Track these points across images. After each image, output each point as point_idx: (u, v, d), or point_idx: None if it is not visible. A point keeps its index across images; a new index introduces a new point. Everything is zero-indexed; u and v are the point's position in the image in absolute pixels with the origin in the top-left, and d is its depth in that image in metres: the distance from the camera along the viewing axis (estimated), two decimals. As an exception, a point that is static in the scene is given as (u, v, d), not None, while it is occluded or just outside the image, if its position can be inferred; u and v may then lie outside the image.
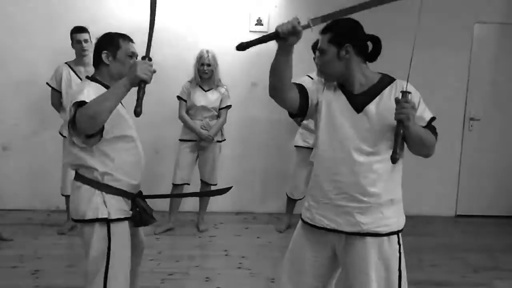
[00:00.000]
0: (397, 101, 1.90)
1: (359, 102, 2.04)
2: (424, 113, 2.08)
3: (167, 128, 4.72)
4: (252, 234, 4.52)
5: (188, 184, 4.45)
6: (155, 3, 2.25)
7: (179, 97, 4.35)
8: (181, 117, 4.33)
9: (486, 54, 5.13)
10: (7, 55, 4.76)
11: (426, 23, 5.04)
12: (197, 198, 4.64)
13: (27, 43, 4.76)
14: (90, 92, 2.14)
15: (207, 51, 4.23)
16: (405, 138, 1.95)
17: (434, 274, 3.75)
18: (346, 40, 2.00)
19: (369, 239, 2.01)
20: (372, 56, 2.09)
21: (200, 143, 4.35)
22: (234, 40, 5.35)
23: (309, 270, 2.14)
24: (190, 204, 4.83)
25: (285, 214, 4.70)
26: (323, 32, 2.05)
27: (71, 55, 4.23)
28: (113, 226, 2.21)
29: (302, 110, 2.12)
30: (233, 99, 4.42)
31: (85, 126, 2.07)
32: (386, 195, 2.01)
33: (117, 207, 2.23)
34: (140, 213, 2.32)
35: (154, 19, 2.23)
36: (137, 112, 2.07)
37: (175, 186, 4.40)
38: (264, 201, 5.14)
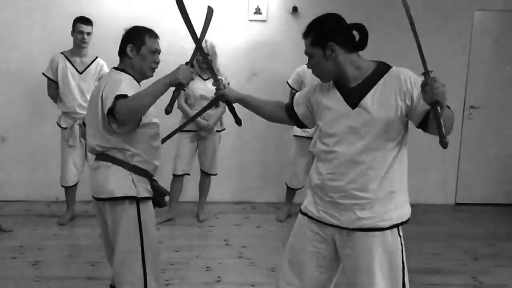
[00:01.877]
0: (424, 83, 1.81)
1: (354, 97, 1.98)
2: None
3: (166, 117, 4.67)
4: (252, 224, 4.53)
5: (188, 175, 4.44)
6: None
7: (178, 87, 4.32)
8: (180, 107, 4.31)
9: (486, 41, 5.11)
10: (4, 45, 4.72)
11: (426, 10, 5.04)
12: (197, 189, 4.64)
13: (24, 33, 4.72)
14: (128, 84, 2.26)
15: (205, 41, 4.20)
16: (438, 119, 1.80)
17: (434, 262, 3.76)
18: (327, 39, 1.95)
19: (371, 234, 1.98)
20: (360, 45, 2.02)
21: (200, 133, 4.34)
22: (233, 30, 5.37)
23: (311, 261, 2.12)
24: (190, 194, 4.83)
25: (285, 203, 4.70)
26: (305, 37, 2.02)
27: (68, 45, 4.19)
28: (141, 205, 2.31)
29: (299, 122, 2.24)
30: (234, 88, 4.39)
31: (125, 118, 2.18)
32: (386, 188, 1.96)
33: (144, 186, 2.34)
34: (158, 194, 2.43)
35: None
36: (168, 110, 2.20)
37: (175, 176, 4.39)
38: (264, 191, 5.14)
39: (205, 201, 4.63)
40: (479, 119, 5.18)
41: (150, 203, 2.39)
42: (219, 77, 2.47)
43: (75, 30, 4.09)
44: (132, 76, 2.37)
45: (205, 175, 4.53)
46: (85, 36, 4.08)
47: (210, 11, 2.53)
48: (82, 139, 4.17)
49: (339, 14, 2.01)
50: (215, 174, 4.54)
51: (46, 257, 3.61)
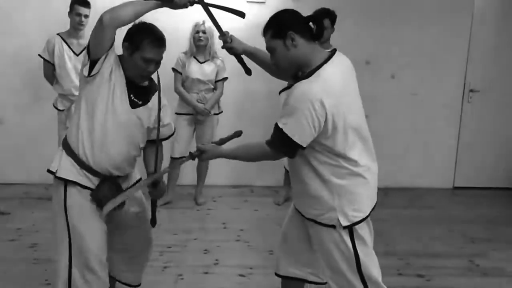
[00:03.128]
0: None
1: None
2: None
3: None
4: (250, 207, 4.53)
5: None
6: None
7: (174, 69, 4.29)
8: (177, 91, 4.28)
9: (487, 24, 5.05)
10: (0, 27, 4.66)
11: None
12: (195, 172, 4.63)
13: (21, 15, 4.66)
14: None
15: (203, 21, 4.15)
16: None
17: (432, 246, 3.77)
18: (286, 29, 2.00)
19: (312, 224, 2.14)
20: (317, 35, 2.06)
21: (197, 117, 4.31)
22: (228, 13, 5.19)
23: (300, 244, 2.27)
24: (188, 178, 4.82)
25: (283, 187, 4.71)
26: (264, 33, 2.08)
27: (65, 26, 4.14)
28: (69, 189, 2.23)
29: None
30: (230, 71, 4.35)
31: (105, 20, 2.02)
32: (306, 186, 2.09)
33: (74, 170, 2.24)
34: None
35: None
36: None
37: (173, 159, 4.38)
38: (262, 174, 5.13)
39: (203, 185, 4.63)
40: (479, 103, 5.15)
41: (82, 191, 2.22)
42: (224, 31, 2.43)
43: (73, 12, 4.03)
44: (124, 67, 2.21)
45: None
46: (83, 18, 4.03)
47: None
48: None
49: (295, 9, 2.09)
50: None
51: (44, 240, 3.61)
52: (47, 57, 4.13)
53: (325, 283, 2.35)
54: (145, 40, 2.14)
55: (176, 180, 4.54)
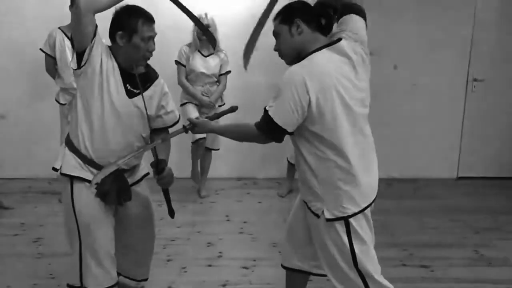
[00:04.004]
0: None
1: None
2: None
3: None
4: (253, 199, 4.53)
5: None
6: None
7: (177, 62, 4.27)
8: (181, 83, 4.26)
9: (491, 13, 4.99)
10: (2, 20, 4.65)
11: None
12: (199, 165, 4.62)
13: (22, 8, 4.64)
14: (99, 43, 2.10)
15: (206, 13, 4.12)
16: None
17: (435, 236, 3.76)
18: (294, 16, 2.03)
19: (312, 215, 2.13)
20: (326, 28, 2.09)
21: (202, 110, 4.30)
22: (233, 4, 5.25)
23: (304, 236, 2.27)
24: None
25: (286, 179, 4.69)
26: (274, 19, 2.10)
27: (66, 20, 4.12)
28: (75, 184, 2.24)
29: None
30: (233, 64, 4.32)
31: (82, 7, 1.98)
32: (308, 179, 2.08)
33: (77, 165, 2.24)
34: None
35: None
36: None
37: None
38: (265, 166, 5.12)
39: (206, 177, 4.62)
40: (483, 92, 5.11)
41: (88, 185, 2.19)
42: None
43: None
44: (119, 63, 2.17)
45: (207, 151, 4.51)
46: None
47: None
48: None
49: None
50: (218, 149, 4.52)
51: (48, 234, 3.62)
52: (48, 51, 4.12)
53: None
54: (139, 21, 2.12)
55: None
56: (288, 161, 4.61)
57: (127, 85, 2.19)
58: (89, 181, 2.18)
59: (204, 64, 4.23)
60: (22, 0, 4.64)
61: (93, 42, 2.07)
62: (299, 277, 2.41)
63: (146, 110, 2.21)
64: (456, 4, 4.89)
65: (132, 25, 2.11)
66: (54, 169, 2.24)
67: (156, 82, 2.33)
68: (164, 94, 2.35)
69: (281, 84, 1.96)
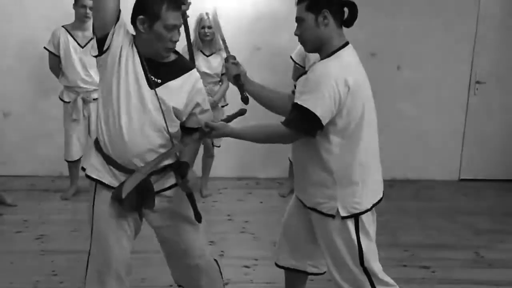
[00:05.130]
0: None
1: None
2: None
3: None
4: (255, 199, 4.54)
5: None
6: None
7: (179, 61, 4.28)
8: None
9: (494, 15, 4.98)
10: (5, 19, 4.67)
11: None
12: (200, 164, 4.64)
13: (26, 7, 4.66)
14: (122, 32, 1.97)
15: (207, 14, 4.13)
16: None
17: (436, 237, 3.77)
18: (323, 5, 1.98)
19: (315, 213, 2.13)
20: (348, 21, 2.06)
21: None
22: (236, 3, 5.24)
23: (301, 236, 2.29)
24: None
25: (288, 178, 4.70)
26: (299, 2, 2.03)
27: (71, 18, 4.14)
28: (97, 187, 2.14)
29: None
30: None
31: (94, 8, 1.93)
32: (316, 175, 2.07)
33: (102, 169, 2.11)
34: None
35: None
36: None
37: None
38: (267, 166, 5.13)
39: (208, 177, 4.63)
40: (485, 95, 5.11)
41: (109, 190, 2.04)
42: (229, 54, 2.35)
43: (78, 4, 4.03)
44: (139, 53, 1.98)
45: (208, 151, 4.52)
46: (88, 10, 4.01)
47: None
48: (84, 113, 4.17)
49: None
50: (219, 146, 4.53)
51: (51, 231, 3.64)
52: (52, 50, 4.13)
53: (323, 273, 2.38)
54: (163, 5, 1.90)
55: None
56: (290, 161, 4.61)
57: (149, 74, 1.98)
58: (110, 187, 2.04)
59: (206, 64, 4.23)
60: (26, -1, 4.66)
61: (114, 28, 1.93)
62: (297, 276, 2.42)
63: (159, 102, 1.98)
64: (459, 7, 4.89)
65: (155, 10, 1.90)
66: (83, 168, 2.14)
67: (190, 73, 2.10)
68: (198, 90, 2.11)
69: (315, 77, 1.93)
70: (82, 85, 4.13)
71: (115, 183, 2.04)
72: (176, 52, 2.12)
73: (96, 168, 2.07)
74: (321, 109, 1.89)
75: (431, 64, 4.98)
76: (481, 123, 5.16)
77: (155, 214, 2.15)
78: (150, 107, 1.98)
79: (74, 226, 3.76)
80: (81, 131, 4.24)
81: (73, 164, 4.34)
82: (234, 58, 2.33)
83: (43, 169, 4.91)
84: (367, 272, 2.08)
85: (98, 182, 2.07)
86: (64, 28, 4.12)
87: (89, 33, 4.13)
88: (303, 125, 1.93)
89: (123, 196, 1.96)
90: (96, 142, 2.10)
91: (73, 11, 4.08)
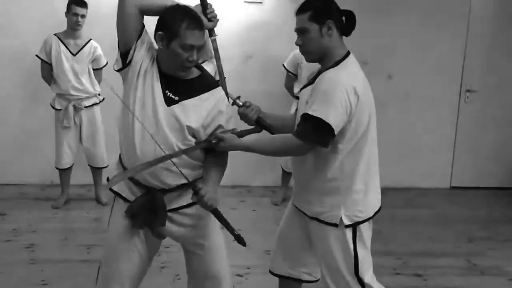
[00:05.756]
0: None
1: None
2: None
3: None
4: (248, 207, 4.53)
5: None
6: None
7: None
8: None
9: (484, 24, 5.05)
10: (-4, 26, 4.66)
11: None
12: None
13: (19, 13, 4.64)
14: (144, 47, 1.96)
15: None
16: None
17: (429, 245, 3.77)
18: (327, 16, 1.98)
19: (314, 223, 2.12)
20: (347, 30, 2.07)
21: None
22: (228, 12, 5.27)
23: (296, 244, 2.28)
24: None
25: (281, 187, 4.70)
26: (301, 12, 2.01)
27: (62, 26, 4.13)
28: (116, 197, 2.17)
29: None
30: (228, 72, 4.33)
31: (126, 1, 1.88)
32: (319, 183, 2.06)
33: (121, 180, 2.10)
34: None
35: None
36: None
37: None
38: (259, 174, 5.13)
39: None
40: (476, 103, 5.16)
41: (124, 203, 2.04)
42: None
43: (70, 12, 4.03)
44: (161, 70, 1.95)
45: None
46: (80, 18, 4.02)
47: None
48: (76, 121, 4.15)
49: None
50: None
51: (41, 240, 3.60)
52: (44, 58, 4.12)
53: (317, 280, 2.37)
54: (183, 24, 1.84)
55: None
56: (282, 169, 4.61)
57: (167, 91, 1.94)
58: (127, 200, 2.02)
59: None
60: (18, 6, 4.63)
61: (136, 44, 1.93)
62: (291, 284, 2.41)
63: (173, 120, 1.93)
64: (450, 16, 4.95)
65: (174, 28, 1.84)
66: (107, 179, 2.08)
67: (212, 92, 2.02)
68: (221, 111, 2.02)
69: (325, 87, 1.91)
70: (73, 92, 4.11)
71: (132, 198, 2.02)
72: (200, 68, 2.08)
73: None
74: (334, 118, 1.87)
75: (422, 72, 5.02)
76: (472, 131, 5.20)
77: (180, 230, 2.11)
78: (163, 123, 1.91)
79: (65, 235, 3.73)
80: (72, 139, 4.22)
81: (64, 172, 4.31)
82: (239, 97, 2.26)
83: (32, 177, 4.87)
84: (361, 282, 2.08)
85: (117, 194, 2.07)
86: (56, 36, 4.11)
87: (81, 41, 4.13)
88: (316, 135, 1.91)
89: (109, 187, 1.98)
90: (120, 155, 2.10)
91: (65, 19, 4.07)
